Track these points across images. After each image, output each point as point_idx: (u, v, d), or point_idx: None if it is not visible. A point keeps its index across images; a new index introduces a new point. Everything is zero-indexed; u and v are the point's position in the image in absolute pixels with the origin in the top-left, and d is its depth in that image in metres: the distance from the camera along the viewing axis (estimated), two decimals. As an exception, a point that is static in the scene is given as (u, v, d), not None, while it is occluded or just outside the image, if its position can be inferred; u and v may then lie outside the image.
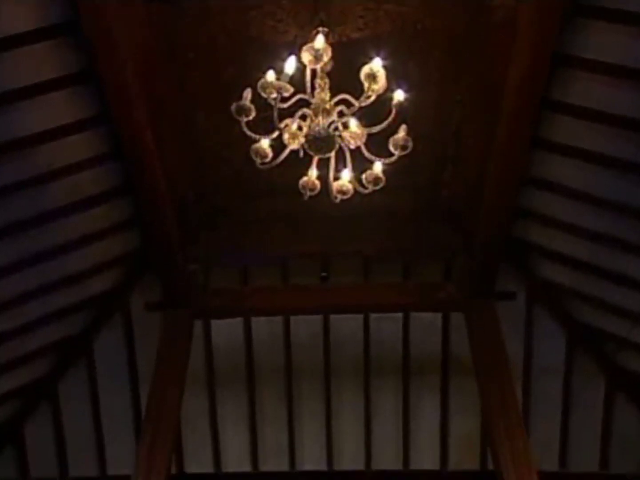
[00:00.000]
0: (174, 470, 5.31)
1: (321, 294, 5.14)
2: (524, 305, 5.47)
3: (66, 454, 5.41)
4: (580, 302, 5.18)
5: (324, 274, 5.27)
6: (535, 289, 5.32)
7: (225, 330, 6.02)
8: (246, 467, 5.75)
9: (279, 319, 5.99)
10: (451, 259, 5.10)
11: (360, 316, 5.98)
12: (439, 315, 5.86)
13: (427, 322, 5.97)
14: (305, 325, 5.98)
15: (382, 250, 5.16)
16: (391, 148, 2.99)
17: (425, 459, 5.68)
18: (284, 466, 5.76)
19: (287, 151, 3.02)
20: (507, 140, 4.08)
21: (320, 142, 2.89)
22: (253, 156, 3.07)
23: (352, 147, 3.04)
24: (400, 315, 5.94)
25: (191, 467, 5.75)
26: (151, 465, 4.17)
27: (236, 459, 5.83)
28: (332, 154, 3.00)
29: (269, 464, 5.82)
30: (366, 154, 3.03)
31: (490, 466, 4.87)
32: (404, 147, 2.98)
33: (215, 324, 5.89)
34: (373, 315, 5.95)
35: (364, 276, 5.59)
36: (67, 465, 5.36)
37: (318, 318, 5.95)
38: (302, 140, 2.95)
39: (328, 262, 5.49)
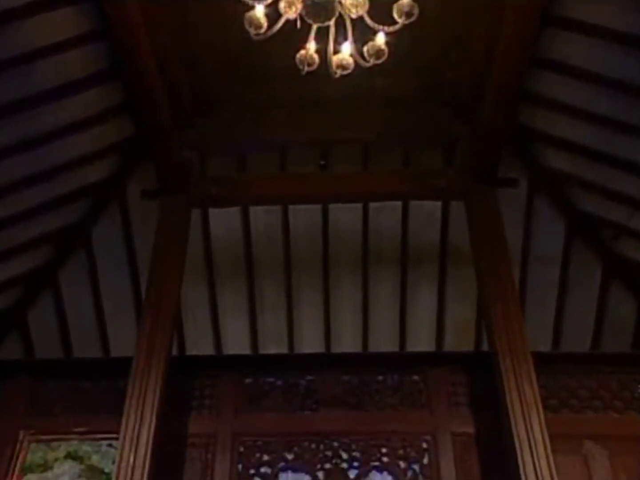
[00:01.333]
0: (175, 353, 5.48)
1: (320, 182, 5.06)
2: (525, 193, 5.41)
3: (69, 338, 5.54)
4: (581, 190, 5.12)
5: (322, 162, 5.16)
6: (537, 177, 5.25)
7: (224, 222, 6.00)
8: (246, 351, 5.93)
9: (277, 209, 5.96)
10: (453, 145, 4.98)
11: (359, 207, 5.95)
12: (439, 206, 5.83)
13: (426, 212, 5.94)
14: (304, 216, 5.95)
15: (382, 137, 5.03)
16: (395, 15, 2.80)
17: (421, 343, 5.84)
18: (283, 350, 5.93)
19: (282, 20, 2.84)
20: (517, 16, 3.88)
21: (319, 8, 2.70)
22: (247, 26, 2.87)
23: (354, 16, 2.85)
24: (399, 205, 5.91)
25: (192, 352, 5.92)
26: (151, 347, 4.26)
27: (236, 345, 6.00)
28: (332, 23, 2.82)
29: (268, 349, 6.00)
30: (369, 21, 2.84)
31: (485, 348, 5.01)
32: (408, 15, 2.78)
33: (214, 215, 5.87)
34: (372, 206, 5.92)
35: (363, 165, 5.50)
36: (70, 348, 5.51)
37: (317, 209, 5.92)
38: (300, 7, 2.77)
39: (327, 150, 5.38)
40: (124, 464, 3.88)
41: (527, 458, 3.80)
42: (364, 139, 5.13)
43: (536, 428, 3.88)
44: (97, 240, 5.58)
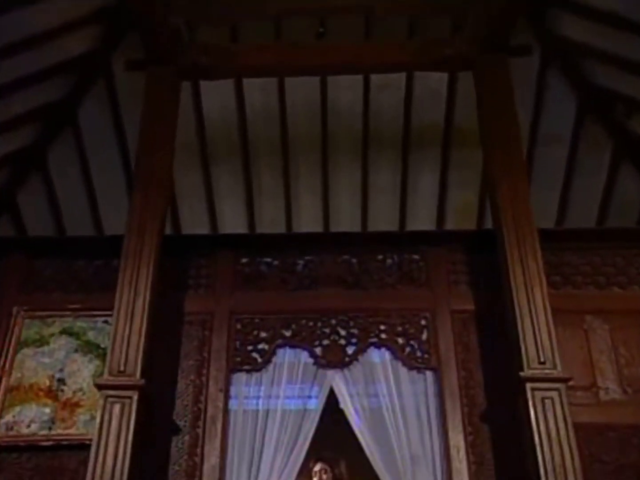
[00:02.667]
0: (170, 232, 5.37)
1: (318, 52, 4.70)
2: (536, 67, 5.11)
3: (62, 219, 5.42)
4: (596, 61, 4.82)
5: (321, 30, 4.80)
6: (551, 48, 4.92)
7: (217, 101, 5.72)
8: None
9: (273, 88, 5.65)
10: (463, 11, 4.59)
11: (360, 86, 5.64)
12: (444, 82, 5.52)
13: (430, 90, 5.64)
14: (302, 94, 5.66)
15: (385, 3, 4.64)
16: None
17: (422, 226, 5.71)
18: (280, 231, 5.82)
19: None
20: None
21: None
22: None
23: None
24: (402, 83, 5.60)
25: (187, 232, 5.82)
26: (143, 224, 4.12)
27: (232, 227, 5.88)
28: None
29: (265, 231, 5.89)
30: None
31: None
32: None
33: (206, 93, 5.57)
34: (373, 84, 5.61)
35: (365, 35, 5.14)
36: (63, 229, 5.39)
37: (315, 87, 5.61)
38: None
39: (326, 19, 4.99)
40: (119, 335, 3.83)
41: (528, 330, 3.74)
42: (365, 5, 4.74)
43: (539, 301, 3.80)
44: (84, 118, 5.34)
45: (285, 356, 4.37)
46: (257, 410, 4.18)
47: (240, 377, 4.31)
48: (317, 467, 4.12)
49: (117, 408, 3.65)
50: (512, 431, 3.93)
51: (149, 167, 4.31)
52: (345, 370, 4.30)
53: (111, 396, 3.68)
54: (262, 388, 4.24)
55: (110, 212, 5.37)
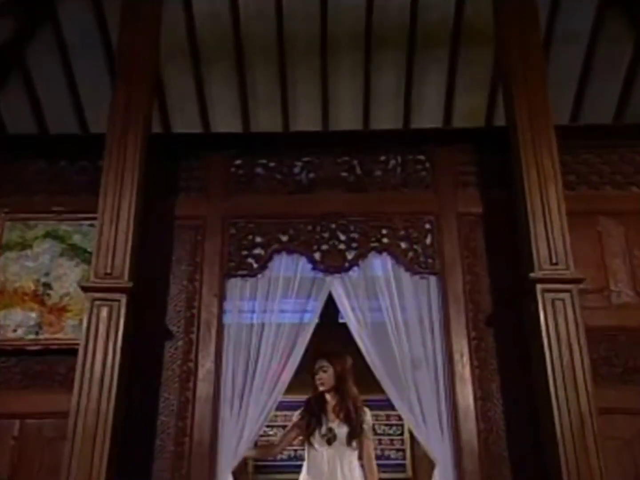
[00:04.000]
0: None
1: None
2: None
3: (44, 118, 5.10)
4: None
5: None
6: None
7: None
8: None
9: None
10: None
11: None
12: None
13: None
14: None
15: None
16: None
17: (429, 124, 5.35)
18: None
19: None
20: None
21: None
22: None
23: None
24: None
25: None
26: (127, 121, 3.81)
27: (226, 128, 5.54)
28: None
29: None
30: None
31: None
32: None
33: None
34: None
35: None
36: (47, 129, 5.08)
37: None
38: None
39: None
40: (104, 237, 3.62)
41: (541, 230, 3.52)
42: None
43: (553, 199, 3.58)
44: (65, 13, 4.92)
45: (281, 267, 4.15)
46: (252, 324, 4.00)
47: (235, 284, 4.13)
48: (317, 365, 3.98)
49: (104, 311, 3.49)
50: (518, 336, 3.81)
51: (132, 61, 3.97)
52: (345, 276, 4.11)
53: (98, 299, 3.51)
54: (257, 301, 4.04)
55: (95, 110, 5.02)
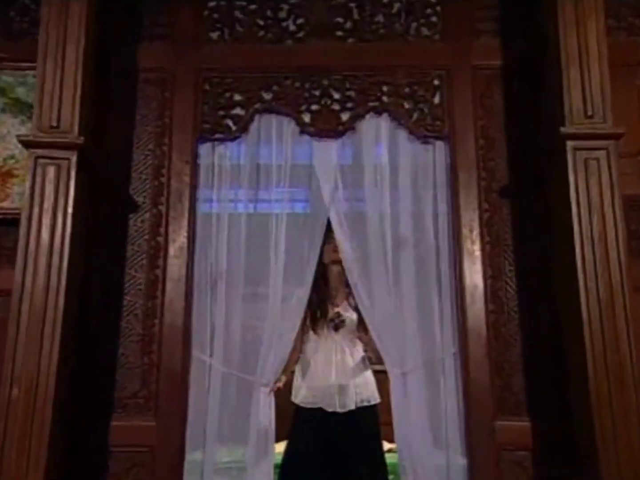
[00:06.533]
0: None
1: None
2: None
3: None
4: None
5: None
6: None
7: None
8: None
9: None
10: None
11: None
12: None
13: None
14: None
15: None
16: None
17: None
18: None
19: None
20: None
21: None
22: None
23: None
24: None
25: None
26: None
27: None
28: None
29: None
30: None
31: None
32: None
33: None
34: None
35: None
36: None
37: None
38: None
39: None
40: (47, 84, 2.99)
41: (575, 77, 2.92)
42: None
43: (592, 41, 2.95)
44: None
45: (263, 130, 3.56)
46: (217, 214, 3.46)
47: (209, 149, 3.55)
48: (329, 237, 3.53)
49: (51, 172, 2.93)
50: (537, 209, 3.29)
51: None
52: (338, 142, 3.53)
53: (42, 157, 2.94)
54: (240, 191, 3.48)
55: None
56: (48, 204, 2.88)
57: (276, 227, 3.41)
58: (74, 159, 2.92)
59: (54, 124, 2.95)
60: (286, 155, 3.52)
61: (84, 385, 3.11)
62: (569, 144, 2.82)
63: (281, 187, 3.48)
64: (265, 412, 3.24)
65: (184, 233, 3.38)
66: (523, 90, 3.43)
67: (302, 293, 3.37)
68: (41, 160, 2.92)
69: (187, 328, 3.29)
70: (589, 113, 2.85)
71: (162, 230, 3.39)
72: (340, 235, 3.38)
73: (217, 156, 3.54)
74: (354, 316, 3.57)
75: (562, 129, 2.84)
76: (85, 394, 3.11)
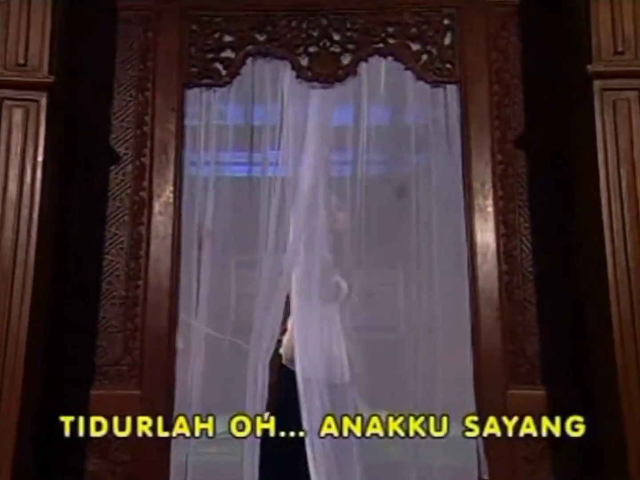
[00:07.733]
0: None
1: None
2: None
3: None
4: None
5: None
6: None
7: None
8: None
9: None
10: None
11: None
12: None
13: None
14: None
15: None
16: None
17: None
18: None
19: None
20: None
21: None
22: None
23: None
24: None
25: None
26: None
27: None
28: None
29: None
30: None
31: None
32: None
33: None
34: None
35: None
36: None
37: None
38: None
39: None
40: (13, 16, 2.68)
41: (604, 9, 2.60)
42: None
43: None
44: None
45: (256, 74, 3.25)
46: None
47: (197, 95, 3.24)
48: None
49: (18, 114, 2.63)
50: (557, 161, 3.01)
51: None
52: (338, 87, 3.23)
53: (9, 98, 2.63)
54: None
55: None
56: (15, 152, 2.59)
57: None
58: (43, 100, 2.62)
59: (21, 61, 2.64)
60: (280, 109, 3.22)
61: (61, 351, 2.86)
62: (596, 83, 2.52)
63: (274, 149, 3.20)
64: (260, 379, 3.01)
65: (169, 187, 3.09)
66: (543, 30, 3.10)
67: None
68: (8, 102, 2.61)
69: (173, 290, 3.03)
70: (619, 49, 2.54)
71: (145, 184, 3.10)
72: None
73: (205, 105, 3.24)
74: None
75: (589, 67, 2.54)
76: (62, 360, 2.87)
